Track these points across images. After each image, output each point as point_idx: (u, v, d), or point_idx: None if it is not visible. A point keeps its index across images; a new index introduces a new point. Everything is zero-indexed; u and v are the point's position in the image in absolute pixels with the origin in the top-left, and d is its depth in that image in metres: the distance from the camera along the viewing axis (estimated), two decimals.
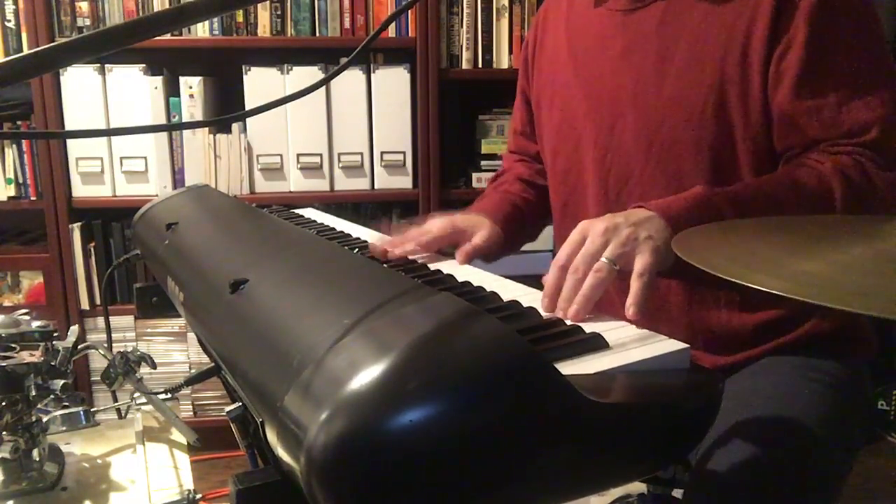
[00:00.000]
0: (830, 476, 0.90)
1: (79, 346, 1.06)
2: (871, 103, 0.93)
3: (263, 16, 2.32)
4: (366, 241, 1.11)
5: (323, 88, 2.32)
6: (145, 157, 2.35)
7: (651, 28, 1.03)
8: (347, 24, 2.34)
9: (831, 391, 0.95)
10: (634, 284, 0.77)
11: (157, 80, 2.31)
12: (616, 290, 1.03)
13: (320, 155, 2.37)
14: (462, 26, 2.38)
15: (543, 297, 0.80)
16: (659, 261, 0.79)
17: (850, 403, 0.96)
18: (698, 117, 0.99)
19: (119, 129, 0.73)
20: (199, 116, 2.32)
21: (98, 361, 2.35)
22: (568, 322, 0.76)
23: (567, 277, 0.79)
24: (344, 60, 0.84)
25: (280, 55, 2.34)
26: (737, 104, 0.97)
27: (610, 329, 0.72)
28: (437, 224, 1.07)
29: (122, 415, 1.26)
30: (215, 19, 2.31)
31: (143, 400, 1.18)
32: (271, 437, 0.58)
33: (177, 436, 1.14)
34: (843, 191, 0.89)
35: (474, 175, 2.44)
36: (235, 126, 2.34)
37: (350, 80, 2.33)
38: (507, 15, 2.39)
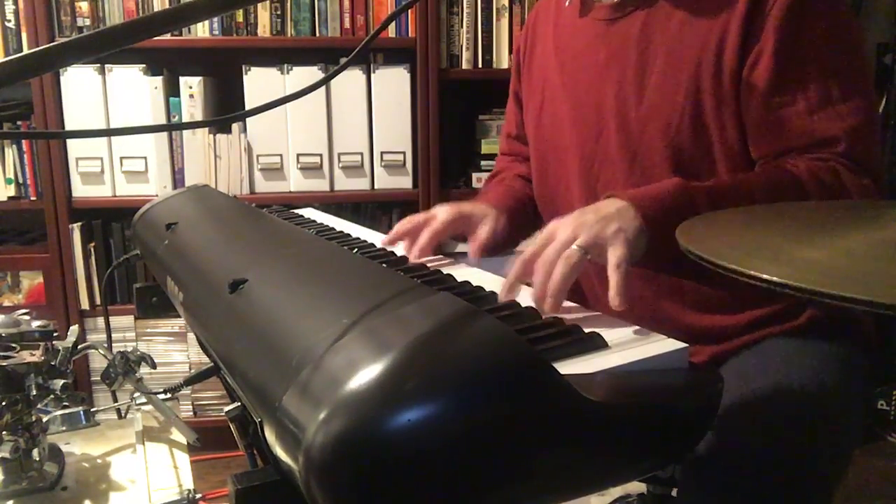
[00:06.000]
0: (834, 447, 0.89)
1: (79, 346, 1.06)
2: (841, 112, 0.93)
3: (263, 16, 2.32)
4: (366, 241, 1.11)
5: (323, 88, 2.31)
6: (145, 157, 2.35)
7: (632, 38, 1.03)
8: (347, 24, 2.34)
9: (829, 362, 0.95)
10: (613, 276, 0.77)
11: (157, 80, 2.31)
12: (601, 285, 1.04)
13: (320, 155, 2.37)
14: (462, 26, 2.38)
15: (504, 285, 0.80)
16: (630, 251, 0.80)
17: (849, 377, 0.96)
18: (675, 128, 0.99)
19: (119, 129, 0.73)
20: (199, 116, 2.32)
21: (98, 361, 2.35)
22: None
23: (536, 270, 0.79)
24: (344, 60, 0.84)
25: (280, 55, 2.34)
26: (712, 114, 0.97)
27: (608, 328, 0.72)
28: (443, 210, 1.07)
29: (122, 415, 1.26)
30: (215, 19, 2.31)
31: (143, 400, 1.18)
32: (270, 436, 0.58)
33: (177, 436, 1.14)
34: (818, 193, 0.89)
35: (474, 175, 2.44)
36: (235, 126, 2.34)
37: (350, 80, 2.33)
38: (507, 15, 2.38)
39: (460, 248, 1.11)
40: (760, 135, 0.96)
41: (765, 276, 0.54)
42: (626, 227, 0.81)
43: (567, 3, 1.14)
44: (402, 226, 1.04)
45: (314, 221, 1.33)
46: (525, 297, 0.81)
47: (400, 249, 1.07)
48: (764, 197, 0.88)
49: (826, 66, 0.94)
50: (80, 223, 2.35)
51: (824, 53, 0.94)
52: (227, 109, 2.50)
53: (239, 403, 0.74)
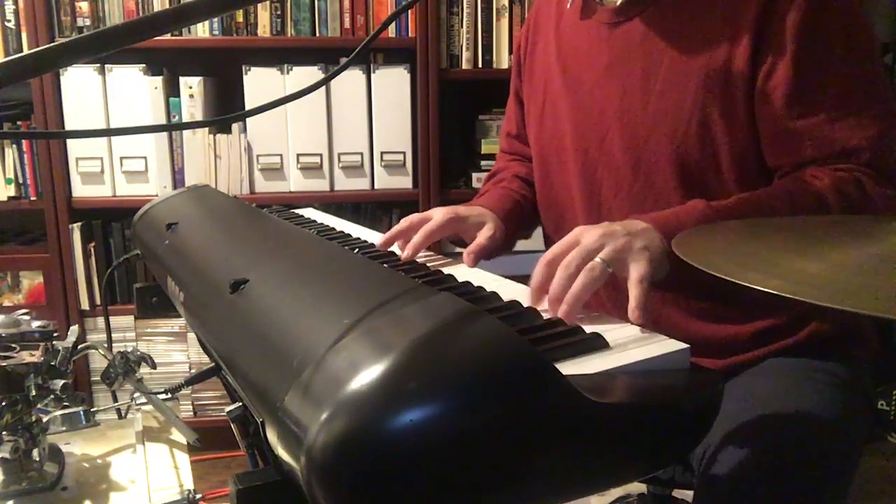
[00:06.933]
0: (838, 475, 0.89)
1: (79, 346, 1.05)
2: (862, 121, 0.92)
3: (263, 16, 2.32)
4: (366, 241, 1.11)
5: (323, 88, 2.31)
6: (145, 157, 2.35)
7: (635, 42, 1.03)
8: (347, 24, 2.34)
9: (835, 390, 0.94)
10: (635, 290, 0.76)
11: (157, 80, 2.31)
12: (609, 299, 1.03)
13: (320, 155, 2.37)
14: (462, 26, 2.38)
15: (531, 291, 0.80)
16: (654, 271, 0.79)
17: (854, 402, 0.96)
18: (682, 134, 0.98)
19: (119, 129, 0.73)
20: (199, 116, 2.32)
21: (98, 361, 2.35)
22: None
23: (557, 273, 0.78)
24: (344, 60, 0.84)
25: (280, 55, 2.34)
26: (721, 121, 0.96)
27: (610, 329, 0.72)
28: (440, 212, 1.06)
29: (122, 415, 1.26)
30: (215, 19, 2.31)
31: (143, 400, 1.18)
32: (271, 437, 0.58)
33: (177, 436, 1.14)
34: (841, 208, 0.88)
35: (474, 175, 2.44)
36: (235, 126, 2.34)
37: (350, 80, 2.33)
38: (507, 15, 2.38)
39: (458, 250, 1.11)
40: (779, 145, 0.95)
41: (759, 289, 0.54)
42: (651, 247, 0.80)
43: (569, 5, 1.13)
44: (397, 227, 1.04)
45: (314, 221, 1.33)
46: (527, 299, 0.81)
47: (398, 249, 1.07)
48: (786, 215, 0.87)
49: (845, 74, 0.93)
50: (80, 223, 2.35)
51: (843, 62, 0.93)
52: (227, 109, 2.50)
53: (240, 403, 0.74)
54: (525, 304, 0.78)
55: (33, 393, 0.95)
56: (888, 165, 0.92)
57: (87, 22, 2.28)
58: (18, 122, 2.32)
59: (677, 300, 1.03)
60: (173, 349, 2.41)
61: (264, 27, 2.32)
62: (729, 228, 0.78)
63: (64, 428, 1.13)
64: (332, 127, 2.37)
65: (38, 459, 0.98)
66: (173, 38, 2.29)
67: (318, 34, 2.34)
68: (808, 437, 0.88)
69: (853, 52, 0.93)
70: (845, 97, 0.92)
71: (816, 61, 0.92)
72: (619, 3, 1.04)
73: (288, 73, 2.31)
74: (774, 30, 0.93)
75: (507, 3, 2.38)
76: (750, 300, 0.57)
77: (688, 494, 1.12)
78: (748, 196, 0.92)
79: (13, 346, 0.98)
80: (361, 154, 2.39)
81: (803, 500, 0.83)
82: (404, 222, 1.04)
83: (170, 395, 1.14)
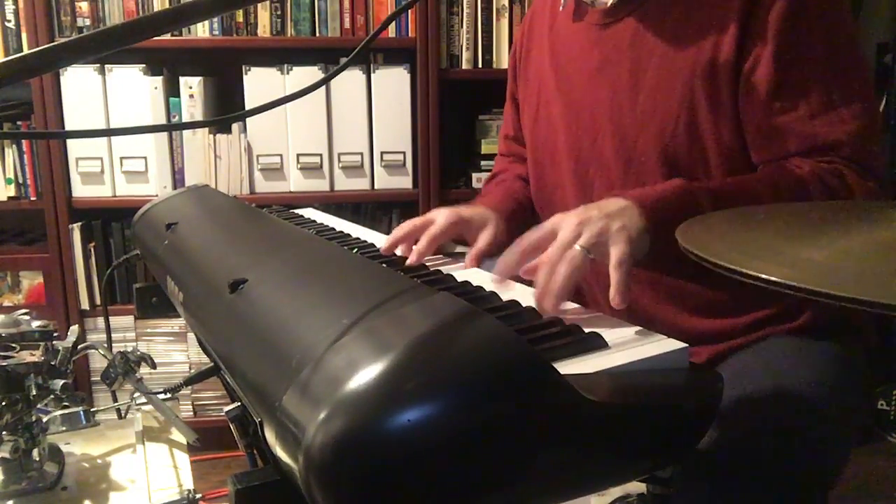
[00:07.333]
0: (831, 445, 0.89)
1: (79, 346, 1.06)
2: (844, 116, 0.93)
3: (263, 16, 2.32)
4: (366, 241, 1.12)
5: (323, 88, 2.31)
6: (145, 157, 2.35)
7: (624, 43, 1.03)
8: (347, 24, 2.34)
9: (829, 361, 0.95)
10: (614, 275, 0.77)
11: (157, 80, 2.31)
12: (606, 302, 1.04)
13: (320, 155, 2.37)
14: (462, 26, 2.38)
15: (496, 268, 0.81)
16: (633, 250, 0.79)
17: (849, 376, 0.96)
18: (670, 133, 0.99)
19: (119, 129, 0.73)
20: (199, 116, 2.32)
21: (98, 361, 2.35)
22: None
23: (540, 269, 0.79)
24: (344, 60, 0.84)
25: (280, 55, 2.34)
26: (707, 119, 0.97)
27: (609, 328, 0.72)
28: (442, 214, 1.06)
29: (122, 415, 1.26)
30: (215, 19, 2.31)
31: (143, 400, 1.18)
32: (270, 436, 0.58)
33: (177, 436, 1.14)
34: (821, 196, 0.89)
35: (474, 175, 2.44)
36: (235, 126, 2.34)
37: (350, 80, 2.33)
38: (507, 15, 2.39)
39: (459, 248, 1.11)
40: (761, 140, 0.96)
41: (764, 276, 0.54)
42: (629, 225, 0.80)
43: (561, 8, 1.14)
44: (399, 230, 1.04)
45: (314, 221, 1.33)
46: (526, 298, 0.81)
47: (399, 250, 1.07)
48: (767, 198, 0.88)
49: (826, 70, 0.93)
50: (80, 223, 2.35)
51: (824, 57, 0.93)
52: (227, 109, 2.50)
53: (239, 403, 0.74)
54: (524, 304, 0.78)
55: (33, 393, 0.95)
56: (868, 159, 0.93)
57: (87, 22, 2.28)
58: (18, 122, 2.32)
59: (672, 296, 1.03)
60: (173, 349, 2.41)
61: (264, 27, 2.33)
62: (730, 217, 0.77)
63: (64, 428, 1.13)
64: (332, 127, 2.37)
65: (38, 459, 0.98)
66: (173, 38, 2.29)
67: (318, 34, 2.34)
68: (800, 409, 0.87)
69: (835, 47, 0.94)
70: (826, 92, 0.93)
71: (798, 56, 0.93)
72: (609, 4, 1.05)
73: (288, 73, 2.31)
74: (758, 22, 0.93)
75: (507, 3, 2.38)
76: (748, 288, 0.56)
77: None
78: (731, 178, 0.93)
79: (13, 346, 0.98)
80: (361, 154, 2.39)
81: (793, 474, 0.83)
82: (406, 226, 1.04)
83: (170, 395, 1.14)
